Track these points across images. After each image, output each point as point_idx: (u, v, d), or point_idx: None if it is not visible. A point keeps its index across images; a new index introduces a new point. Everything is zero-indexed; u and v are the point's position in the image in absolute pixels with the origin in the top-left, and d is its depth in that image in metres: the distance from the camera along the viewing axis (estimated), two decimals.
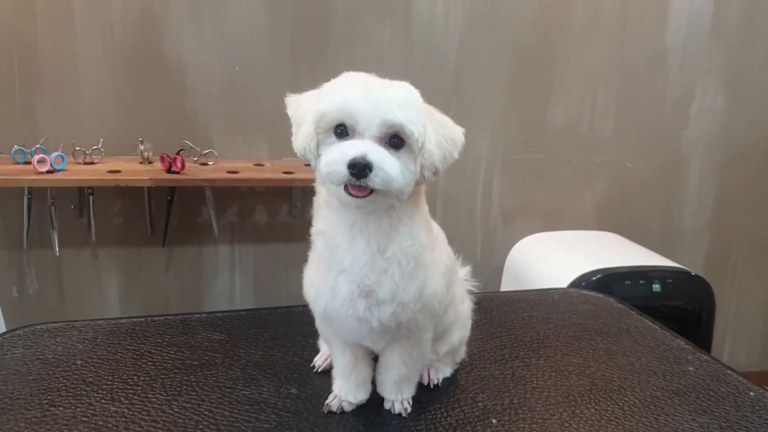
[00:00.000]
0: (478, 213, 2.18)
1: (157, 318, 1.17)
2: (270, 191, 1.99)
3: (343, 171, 0.72)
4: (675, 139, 2.30)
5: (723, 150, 2.34)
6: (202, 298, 2.03)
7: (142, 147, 1.80)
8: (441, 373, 1.00)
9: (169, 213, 1.89)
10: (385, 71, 0.78)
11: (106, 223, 1.89)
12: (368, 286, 0.79)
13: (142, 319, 1.17)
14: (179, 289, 2.01)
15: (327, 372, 0.98)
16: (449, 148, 0.78)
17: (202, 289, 2.03)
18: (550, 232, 2.22)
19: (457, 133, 0.80)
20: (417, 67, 2.01)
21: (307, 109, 0.77)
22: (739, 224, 2.43)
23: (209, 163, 1.86)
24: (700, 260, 2.40)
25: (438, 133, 0.77)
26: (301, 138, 0.76)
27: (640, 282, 1.78)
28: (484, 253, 2.21)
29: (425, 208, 0.84)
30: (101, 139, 1.79)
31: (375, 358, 0.92)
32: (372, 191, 0.73)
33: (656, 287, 1.78)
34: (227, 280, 2.04)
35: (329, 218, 0.81)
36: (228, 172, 1.80)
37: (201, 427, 0.85)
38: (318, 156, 0.76)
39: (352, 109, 0.73)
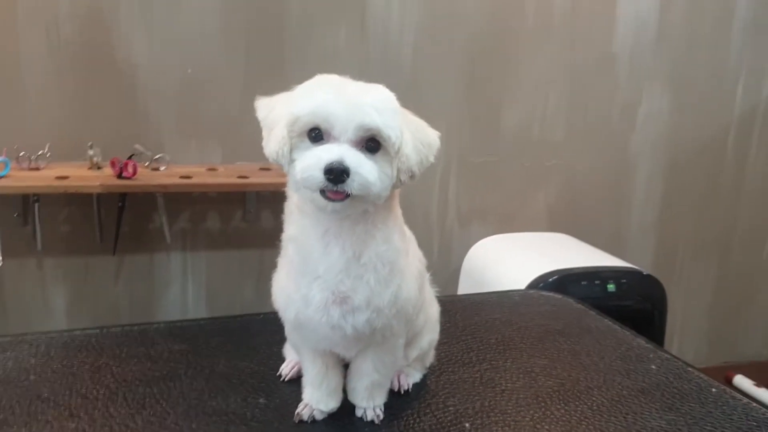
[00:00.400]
0: (435, 216, 2.19)
1: (113, 329, 1.13)
2: (223, 196, 1.95)
3: (319, 176, 0.70)
4: (623, 142, 2.36)
5: (669, 153, 2.41)
6: (153, 307, 1.97)
7: (91, 152, 1.74)
8: (411, 378, 0.99)
9: (119, 220, 1.83)
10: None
11: (52, 231, 1.81)
12: (343, 293, 0.78)
13: (98, 330, 1.12)
14: (130, 299, 1.94)
15: (294, 381, 0.96)
16: (425, 152, 0.77)
17: (153, 297, 1.97)
18: (505, 234, 2.24)
19: (432, 136, 0.79)
20: (372, 70, 2.00)
21: (279, 113, 0.74)
22: (685, 225, 2.50)
23: (161, 168, 1.81)
24: (648, 260, 2.46)
25: (415, 137, 0.76)
26: (274, 142, 0.74)
27: (596, 282, 1.81)
28: (441, 256, 2.21)
29: (399, 211, 0.83)
30: (47, 144, 1.72)
31: (346, 366, 0.91)
32: (348, 195, 0.71)
33: (611, 287, 1.81)
34: (179, 289, 1.99)
35: (302, 224, 0.79)
36: (181, 177, 1.76)
37: None
38: (292, 161, 0.74)
39: (327, 112, 0.71)
